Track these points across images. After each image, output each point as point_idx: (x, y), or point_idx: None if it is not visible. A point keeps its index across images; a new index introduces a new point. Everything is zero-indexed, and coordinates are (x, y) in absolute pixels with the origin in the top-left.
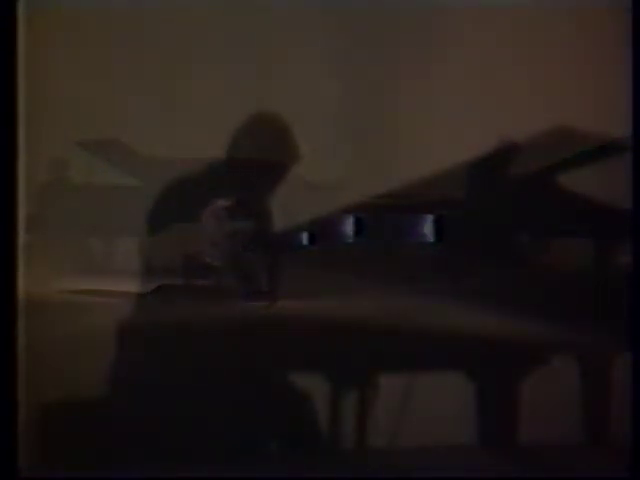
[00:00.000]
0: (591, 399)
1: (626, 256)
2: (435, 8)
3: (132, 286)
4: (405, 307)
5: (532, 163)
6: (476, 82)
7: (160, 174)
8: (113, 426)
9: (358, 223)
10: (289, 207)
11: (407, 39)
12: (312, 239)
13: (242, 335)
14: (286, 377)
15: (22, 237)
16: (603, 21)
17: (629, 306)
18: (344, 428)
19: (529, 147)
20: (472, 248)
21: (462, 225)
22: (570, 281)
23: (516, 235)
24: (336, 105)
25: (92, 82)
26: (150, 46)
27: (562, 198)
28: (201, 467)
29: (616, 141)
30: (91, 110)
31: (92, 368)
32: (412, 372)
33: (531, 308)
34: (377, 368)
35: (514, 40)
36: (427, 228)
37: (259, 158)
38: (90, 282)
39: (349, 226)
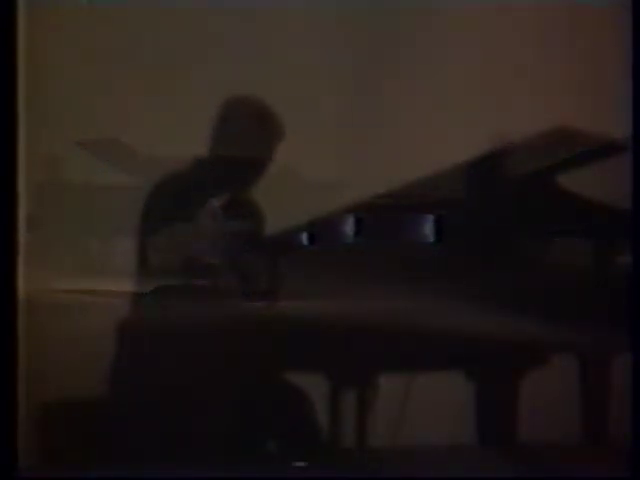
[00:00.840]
0: (591, 399)
1: (626, 256)
2: (435, 8)
3: (132, 286)
4: (405, 307)
5: (532, 163)
6: (476, 82)
7: (160, 174)
8: (113, 426)
9: (358, 223)
10: (289, 207)
11: (407, 39)
12: (312, 239)
13: (242, 335)
14: (286, 377)
15: (22, 237)
16: (603, 21)
17: (629, 306)
18: (344, 428)
19: (529, 147)
20: (472, 248)
21: (462, 225)
22: (570, 281)
23: (516, 235)
24: (336, 105)
25: (92, 82)
26: (150, 46)
27: (562, 198)
28: (201, 467)
29: (616, 141)
30: (91, 110)
31: (92, 368)
32: (412, 372)
33: (531, 308)
34: (377, 368)
35: (515, 40)
36: (427, 228)
37: (248, 153)
38: (90, 282)
39: (349, 226)
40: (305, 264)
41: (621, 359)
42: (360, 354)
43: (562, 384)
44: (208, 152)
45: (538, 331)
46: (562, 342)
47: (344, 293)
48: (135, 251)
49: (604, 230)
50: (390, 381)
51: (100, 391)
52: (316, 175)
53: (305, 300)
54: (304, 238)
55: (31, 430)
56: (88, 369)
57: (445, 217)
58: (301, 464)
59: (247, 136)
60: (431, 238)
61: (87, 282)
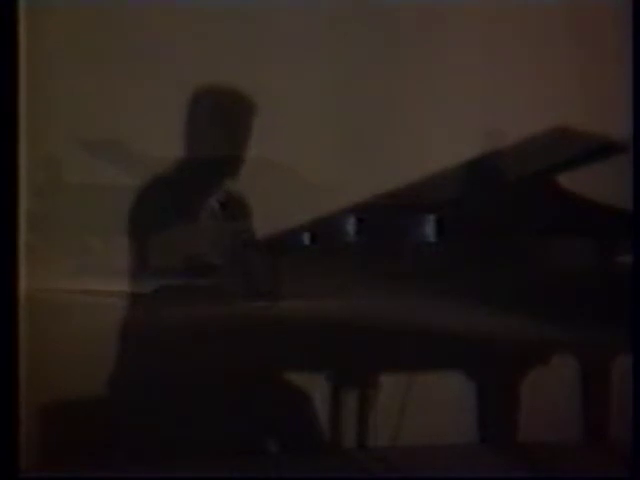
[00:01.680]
0: (591, 399)
1: (626, 256)
2: (435, 8)
3: (132, 286)
4: (405, 307)
5: (532, 163)
6: (476, 82)
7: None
8: (113, 426)
9: (359, 223)
10: (289, 207)
11: (407, 38)
12: (313, 239)
13: (242, 335)
14: (286, 377)
15: (22, 237)
16: (603, 21)
17: (629, 306)
18: (344, 428)
19: (529, 147)
20: (472, 248)
21: (462, 225)
22: (570, 281)
23: (516, 235)
24: (336, 105)
25: (92, 81)
26: (150, 46)
27: (562, 198)
28: (201, 467)
29: (616, 141)
30: (91, 110)
31: (92, 368)
32: (412, 372)
33: (531, 308)
34: (377, 368)
35: (514, 40)
36: (427, 228)
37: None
38: (90, 282)
39: (349, 226)
40: (306, 264)
41: (621, 359)
42: (360, 354)
43: (562, 384)
44: (203, 151)
45: (538, 331)
46: (562, 342)
47: (344, 293)
48: (135, 251)
49: (604, 230)
50: (390, 381)
51: (100, 391)
52: (317, 175)
53: (305, 300)
54: (305, 238)
55: (31, 430)
56: (88, 369)
57: (445, 217)
58: None
59: (214, 133)
60: (431, 238)
61: (87, 282)
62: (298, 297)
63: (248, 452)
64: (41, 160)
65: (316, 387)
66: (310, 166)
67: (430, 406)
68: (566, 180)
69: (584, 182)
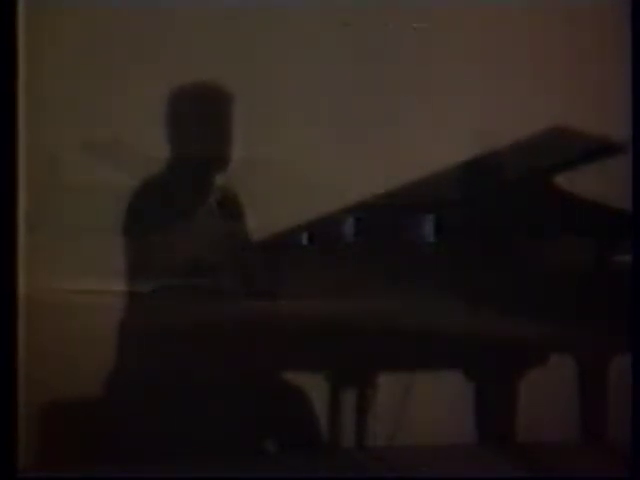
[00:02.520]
0: (591, 399)
1: (626, 256)
2: (435, 8)
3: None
4: (405, 307)
5: (531, 163)
6: (476, 82)
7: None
8: (112, 426)
9: (357, 223)
10: (289, 207)
11: (407, 39)
12: (312, 239)
13: (242, 335)
14: (286, 377)
15: (22, 237)
16: (603, 21)
17: (629, 306)
18: (343, 428)
19: (529, 147)
20: (472, 248)
21: (462, 225)
22: (570, 281)
23: (516, 235)
24: (336, 105)
25: (92, 82)
26: (150, 45)
27: (562, 198)
28: (200, 467)
29: (616, 141)
30: (91, 110)
31: (91, 368)
32: (411, 372)
33: (531, 308)
34: (377, 368)
35: (514, 40)
36: (427, 228)
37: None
38: (90, 282)
39: (349, 226)
40: (305, 264)
41: (621, 359)
42: (360, 354)
43: (562, 384)
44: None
45: (537, 331)
46: (562, 342)
47: (344, 293)
48: (135, 251)
49: (604, 230)
50: (390, 381)
51: (99, 391)
52: (315, 175)
53: (305, 300)
54: (304, 238)
55: (31, 430)
56: (88, 369)
57: (445, 217)
58: None
59: (213, 133)
60: (430, 238)
61: (87, 282)
62: (296, 297)
63: (248, 452)
64: (41, 160)
65: (315, 387)
66: (309, 166)
67: (429, 406)
68: (566, 180)
69: (584, 182)
